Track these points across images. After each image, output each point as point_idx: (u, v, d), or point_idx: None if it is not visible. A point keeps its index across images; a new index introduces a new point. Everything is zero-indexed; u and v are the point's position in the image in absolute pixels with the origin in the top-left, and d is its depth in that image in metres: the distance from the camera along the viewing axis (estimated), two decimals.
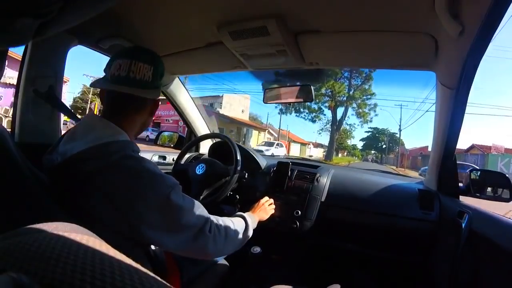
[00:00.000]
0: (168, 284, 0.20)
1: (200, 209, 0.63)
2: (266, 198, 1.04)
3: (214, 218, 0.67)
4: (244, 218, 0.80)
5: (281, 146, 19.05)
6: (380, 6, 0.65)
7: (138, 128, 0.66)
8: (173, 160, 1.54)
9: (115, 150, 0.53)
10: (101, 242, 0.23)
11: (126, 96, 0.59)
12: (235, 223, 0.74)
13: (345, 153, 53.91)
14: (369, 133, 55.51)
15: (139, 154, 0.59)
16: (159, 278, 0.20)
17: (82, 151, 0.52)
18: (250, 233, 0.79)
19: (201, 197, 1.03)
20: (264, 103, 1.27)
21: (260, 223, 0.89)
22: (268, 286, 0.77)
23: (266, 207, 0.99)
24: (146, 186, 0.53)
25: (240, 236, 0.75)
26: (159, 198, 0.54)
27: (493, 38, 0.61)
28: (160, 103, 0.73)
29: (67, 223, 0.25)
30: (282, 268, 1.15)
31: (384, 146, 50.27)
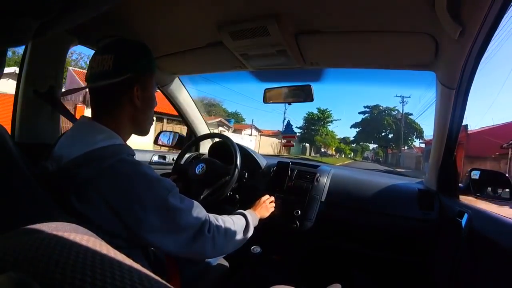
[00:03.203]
0: (168, 284, 0.20)
1: (198, 210, 0.63)
2: (267, 196, 1.04)
3: (213, 217, 0.67)
4: (244, 216, 0.80)
5: None
6: (380, 6, 0.65)
7: (129, 126, 0.63)
8: (173, 160, 1.54)
9: (109, 155, 0.53)
10: (101, 243, 0.23)
11: (96, 92, 0.60)
12: (235, 222, 0.74)
13: (333, 150, 36.33)
14: (365, 115, 34.52)
15: (135, 157, 0.58)
16: (159, 278, 0.20)
17: (77, 157, 0.51)
18: (251, 231, 0.79)
19: (201, 197, 1.03)
20: (264, 103, 1.27)
21: (260, 223, 0.89)
22: (268, 286, 0.77)
23: (267, 205, 0.98)
24: (143, 189, 0.53)
25: (241, 235, 0.74)
26: (156, 201, 0.54)
27: (493, 38, 0.61)
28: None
29: (67, 223, 0.25)
30: (282, 268, 1.15)
31: (390, 135, 32.29)
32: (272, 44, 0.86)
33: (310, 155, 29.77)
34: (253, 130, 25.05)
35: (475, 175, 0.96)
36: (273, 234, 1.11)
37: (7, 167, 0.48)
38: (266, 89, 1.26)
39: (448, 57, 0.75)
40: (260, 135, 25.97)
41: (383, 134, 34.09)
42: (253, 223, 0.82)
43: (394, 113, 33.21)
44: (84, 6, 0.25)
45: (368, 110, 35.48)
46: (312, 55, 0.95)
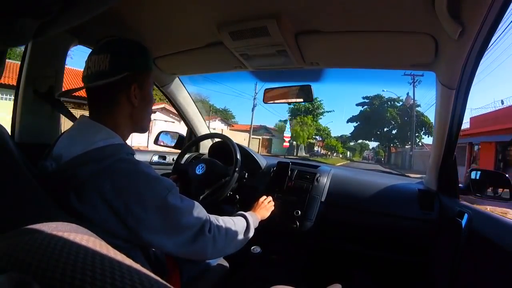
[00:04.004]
0: (168, 284, 0.20)
1: (198, 210, 0.63)
2: (264, 196, 1.03)
3: (214, 218, 0.67)
4: (245, 217, 0.80)
5: None
6: (380, 6, 0.65)
7: (128, 125, 0.63)
8: (173, 160, 1.54)
9: (109, 154, 0.53)
10: (101, 242, 0.23)
11: (93, 92, 0.60)
12: (236, 222, 0.74)
13: (323, 148, 30.19)
14: (364, 107, 28.41)
15: (135, 156, 0.58)
16: (159, 278, 0.20)
17: (76, 157, 0.51)
18: (252, 232, 0.79)
19: (201, 197, 1.03)
20: (264, 103, 1.27)
21: (261, 223, 0.89)
22: (268, 286, 0.77)
23: (266, 205, 0.98)
24: (143, 189, 0.53)
25: (241, 235, 0.74)
26: (156, 201, 0.54)
27: (493, 38, 0.61)
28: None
29: (67, 223, 0.25)
30: (282, 268, 1.15)
31: (394, 131, 26.31)
32: (272, 44, 0.86)
33: (297, 154, 24.45)
34: (219, 123, 21.41)
35: (475, 175, 0.96)
36: (273, 234, 1.11)
37: (7, 167, 0.48)
38: (266, 89, 1.26)
39: (448, 57, 0.75)
40: (229, 129, 22.20)
41: (385, 129, 27.05)
42: (254, 224, 0.82)
43: (399, 103, 26.14)
44: (84, 6, 0.25)
45: (367, 101, 28.12)
46: (312, 55, 0.95)
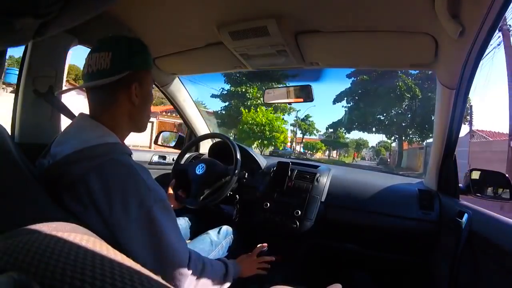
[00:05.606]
0: (168, 284, 0.20)
1: (182, 238, 0.58)
2: (260, 254, 0.92)
3: (195, 256, 0.61)
4: (226, 266, 0.72)
5: None
6: (380, 6, 0.65)
7: (127, 123, 0.62)
8: (173, 160, 1.54)
9: (101, 153, 0.52)
10: (101, 243, 0.23)
11: (94, 91, 0.59)
12: (214, 266, 0.66)
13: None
14: (359, 77, 15.99)
15: (132, 156, 0.57)
16: (159, 278, 0.20)
17: (70, 154, 0.51)
18: (228, 284, 0.70)
19: (201, 197, 1.03)
20: (264, 102, 1.28)
21: (261, 223, 0.88)
22: (268, 286, 0.77)
23: (255, 264, 0.88)
24: (128, 193, 0.50)
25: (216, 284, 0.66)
26: (140, 210, 0.50)
27: (493, 38, 0.61)
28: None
29: (67, 223, 0.26)
30: (282, 268, 1.15)
31: (408, 114, 14.90)
32: (272, 44, 0.86)
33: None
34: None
35: (476, 175, 0.96)
36: (273, 234, 1.11)
37: (7, 167, 0.48)
38: (266, 89, 1.27)
39: (448, 57, 0.75)
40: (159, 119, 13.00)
41: (393, 111, 15.49)
42: (234, 274, 0.73)
43: (415, 71, 14.06)
44: (84, 6, 0.25)
45: (363, 71, 15.78)
46: (312, 55, 0.95)
